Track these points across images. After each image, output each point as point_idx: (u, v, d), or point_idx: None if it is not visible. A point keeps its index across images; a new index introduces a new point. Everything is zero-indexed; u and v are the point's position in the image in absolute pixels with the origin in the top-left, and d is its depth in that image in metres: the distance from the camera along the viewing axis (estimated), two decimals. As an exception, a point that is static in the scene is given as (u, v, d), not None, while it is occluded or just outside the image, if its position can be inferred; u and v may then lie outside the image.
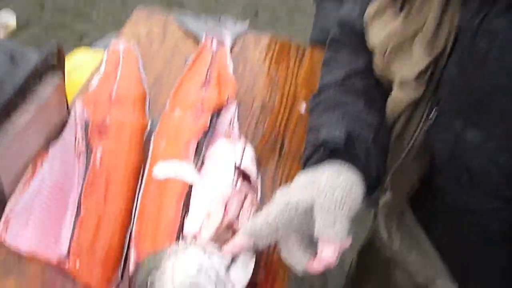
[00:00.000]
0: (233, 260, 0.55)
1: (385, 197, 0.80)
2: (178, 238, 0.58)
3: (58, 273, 0.58)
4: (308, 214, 0.51)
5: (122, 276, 0.59)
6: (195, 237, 0.58)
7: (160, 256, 0.53)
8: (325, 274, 1.53)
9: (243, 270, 0.55)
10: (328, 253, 0.50)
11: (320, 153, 0.53)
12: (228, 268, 0.54)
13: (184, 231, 0.59)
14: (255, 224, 0.52)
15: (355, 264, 1.06)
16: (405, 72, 0.54)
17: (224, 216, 0.60)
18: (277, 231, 0.51)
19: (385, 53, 0.56)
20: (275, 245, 0.63)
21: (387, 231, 0.84)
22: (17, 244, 0.59)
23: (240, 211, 0.62)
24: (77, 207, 0.62)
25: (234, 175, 0.65)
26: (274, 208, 0.52)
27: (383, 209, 0.83)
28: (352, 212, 0.50)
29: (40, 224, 0.61)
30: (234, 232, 0.57)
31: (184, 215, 0.60)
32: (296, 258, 0.53)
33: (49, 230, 0.60)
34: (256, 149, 0.72)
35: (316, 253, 0.51)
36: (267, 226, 0.51)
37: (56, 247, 0.59)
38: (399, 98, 0.57)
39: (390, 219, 0.83)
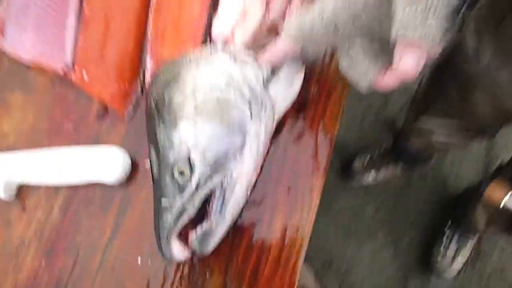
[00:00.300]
0: (273, 72, 0.41)
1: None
2: (204, 43, 0.45)
3: (70, 85, 0.49)
4: (382, 8, 0.34)
5: (142, 89, 0.48)
6: (226, 42, 0.44)
7: (180, 64, 0.41)
8: (387, 93, 1.40)
9: (287, 86, 0.42)
10: (408, 62, 0.35)
11: None
12: (266, 82, 0.41)
13: (212, 34, 0.45)
14: (304, 23, 0.37)
15: (424, 83, 0.91)
16: None
17: (265, 15, 0.45)
18: (336, 32, 0.36)
19: None
20: (332, 54, 0.49)
21: (477, 41, 0.66)
22: (17, 52, 0.49)
23: (286, 9, 0.46)
24: (79, 5, 0.49)
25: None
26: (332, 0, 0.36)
27: (478, 12, 0.63)
28: (450, 7, 0.33)
29: (40, 28, 0.49)
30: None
31: (212, 14, 0.45)
32: (361, 70, 0.39)
33: (51, 35, 0.49)
34: None
35: (388, 64, 0.37)
36: (320, 25, 0.36)
37: (60, 55, 0.48)
38: None
39: (484, 26, 0.63)
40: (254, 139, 0.40)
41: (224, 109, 0.39)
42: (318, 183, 0.46)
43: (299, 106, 0.47)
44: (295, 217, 0.45)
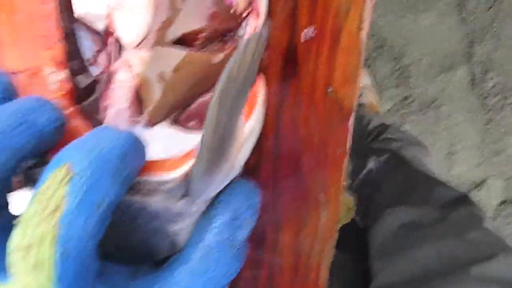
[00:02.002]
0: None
1: None
2: (63, 41, 0.23)
3: None
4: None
5: None
6: (101, 41, 0.22)
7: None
8: None
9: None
10: None
11: None
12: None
13: (73, 20, 0.22)
14: None
15: None
16: None
17: None
18: None
19: None
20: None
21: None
22: None
23: None
24: None
25: None
26: None
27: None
28: None
29: None
30: None
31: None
32: None
33: None
34: None
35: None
36: None
37: None
38: None
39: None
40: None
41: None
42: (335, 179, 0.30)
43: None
44: (307, 227, 0.32)
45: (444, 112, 1.24)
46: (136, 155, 0.17)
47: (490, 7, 1.12)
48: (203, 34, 0.22)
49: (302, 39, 0.26)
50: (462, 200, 0.65)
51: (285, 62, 0.27)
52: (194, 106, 0.24)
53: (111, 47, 0.23)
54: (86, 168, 0.15)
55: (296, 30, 0.26)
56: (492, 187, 1.28)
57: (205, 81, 0.23)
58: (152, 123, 0.23)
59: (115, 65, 0.23)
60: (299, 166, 0.30)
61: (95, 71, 0.24)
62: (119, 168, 0.16)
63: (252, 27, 0.23)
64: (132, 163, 0.17)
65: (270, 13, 0.26)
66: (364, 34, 0.26)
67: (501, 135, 1.21)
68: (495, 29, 1.13)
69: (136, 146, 0.17)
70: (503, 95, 1.18)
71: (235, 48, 0.23)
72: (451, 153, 1.27)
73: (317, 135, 0.29)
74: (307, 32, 0.26)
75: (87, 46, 0.24)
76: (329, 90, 0.28)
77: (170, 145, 0.23)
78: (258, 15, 0.23)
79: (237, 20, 0.23)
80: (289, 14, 0.26)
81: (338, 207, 0.31)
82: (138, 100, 0.24)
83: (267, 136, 0.29)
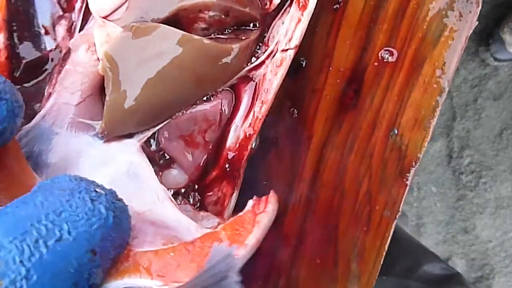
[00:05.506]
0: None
1: None
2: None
3: None
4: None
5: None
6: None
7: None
8: None
9: None
10: None
11: None
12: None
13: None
14: None
15: None
16: None
17: None
18: None
19: None
20: None
21: None
22: None
23: None
24: None
25: None
26: None
27: None
28: None
29: None
30: None
31: None
32: None
33: None
34: None
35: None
36: None
37: None
38: None
39: None
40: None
41: None
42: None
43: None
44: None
45: (417, 182, 1.22)
46: (115, 244, 0.10)
47: (476, 85, 1.14)
48: (208, 14, 0.16)
49: (375, 62, 0.20)
50: (456, 278, 0.60)
51: (346, 86, 0.21)
52: (181, 118, 0.17)
53: (76, 14, 0.17)
54: (21, 279, 0.08)
55: (368, 49, 0.20)
56: (455, 266, 1.25)
57: (207, 80, 0.17)
58: (109, 135, 0.16)
59: (73, 40, 0.16)
60: (333, 223, 0.23)
61: (49, 43, 0.17)
62: (79, 277, 0.09)
63: (296, 18, 0.17)
64: (104, 259, 0.10)
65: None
66: (451, 72, 0.20)
67: (472, 213, 1.20)
68: (477, 107, 1.14)
69: (118, 230, 0.10)
70: (478, 173, 1.18)
71: (252, 41, 0.17)
72: (419, 225, 1.24)
73: (365, 187, 0.23)
74: (384, 54, 0.20)
75: (46, 8, 0.17)
76: (393, 132, 0.22)
77: (128, 187, 0.16)
78: (304, 6, 0.17)
79: (263, 7, 0.17)
80: (363, 26, 0.20)
81: (372, 284, 0.25)
82: (97, 96, 0.17)
83: (302, 178, 0.22)
